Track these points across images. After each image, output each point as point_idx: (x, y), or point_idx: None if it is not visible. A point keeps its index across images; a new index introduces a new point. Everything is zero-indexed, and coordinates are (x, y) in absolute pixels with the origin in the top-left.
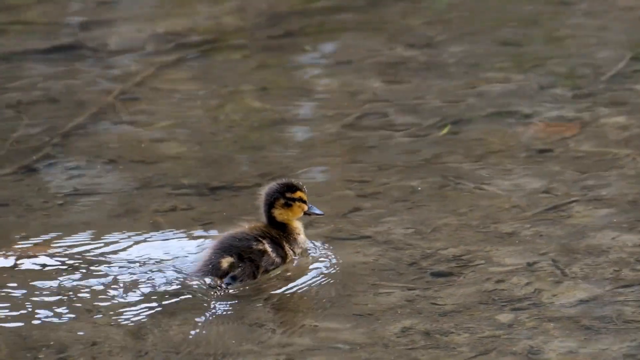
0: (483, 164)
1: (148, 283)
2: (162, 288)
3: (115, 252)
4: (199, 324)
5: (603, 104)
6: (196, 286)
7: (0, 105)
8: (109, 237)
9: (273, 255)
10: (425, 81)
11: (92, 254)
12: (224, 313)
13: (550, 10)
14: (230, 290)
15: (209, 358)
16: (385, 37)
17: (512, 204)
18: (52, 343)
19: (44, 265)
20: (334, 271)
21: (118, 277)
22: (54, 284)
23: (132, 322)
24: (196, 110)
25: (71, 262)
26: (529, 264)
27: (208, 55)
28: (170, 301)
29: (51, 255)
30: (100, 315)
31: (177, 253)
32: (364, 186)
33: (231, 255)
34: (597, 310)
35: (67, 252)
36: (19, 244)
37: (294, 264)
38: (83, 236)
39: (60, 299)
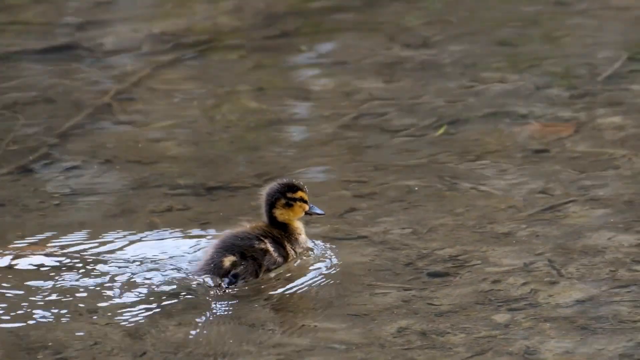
0: (479, 164)
1: (146, 283)
2: (160, 288)
3: (112, 252)
4: (197, 324)
5: (599, 104)
6: (194, 286)
7: None
8: (106, 237)
9: (275, 254)
10: (422, 81)
11: (88, 254)
12: (221, 313)
13: (546, 10)
14: (231, 290)
15: (206, 358)
16: (382, 37)
17: (509, 204)
18: (49, 344)
19: (41, 266)
20: (330, 271)
21: (116, 277)
22: (51, 284)
23: (130, 322)
24: (193, 111)
25: (68, 262)
26: (525, 264)
27: (204, 55)
28: (168, 301)
29: (48, 256)
30: (99, 316)
31: (174, 252)
32: (360, 186)
33: (233, 254)
34: (594, 311)
35: (63, 252)
36: (16, 244)
37: (295, 264)
38: (79, 236)
39: (58, 299)
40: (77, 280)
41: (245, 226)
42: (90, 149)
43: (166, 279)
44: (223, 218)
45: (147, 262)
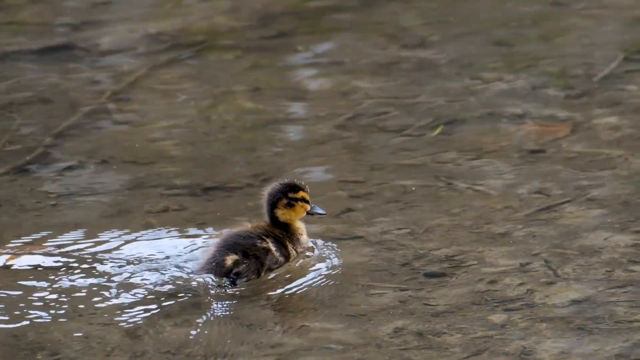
0: (476, 164)
1: (143, 283)
2: (158, 288)
3: (109, 252)
4: (195, 324)
5: (596, 104)
6: (192, 286)
7: None
8: (103, 237)
9: (277, 254)
10: (418, 81)
11: (85, 254)
12: (219, 313)
13: (543, 10)
14: (233, 289)
15: (204, 359)
16: (379, 37)
17: (505, 204)
18: (47, 344)
19: (38, 266)
20: (327, 272)
21: (113, 277)
22: (48, 284)
23: (129, 322)
24: (189, 111)
25: (65, 262)
26: (521, 265)
27: (201, 55)
28: (166, 301)
29: (45, 256)
30: (97, 316)
31: (172, 252)
32: (356, 187)
33: (235, 253)
34: (590, 311)
35: (60, 252)
36: (12, 244)
37: (296, 264)
38: (76, 236)
39: (55, 299)
40: (74, 280)
41: (246, 226)
42: (86, 149)
43: (164, 279)
44: (220, 218)
45: (144, 262)
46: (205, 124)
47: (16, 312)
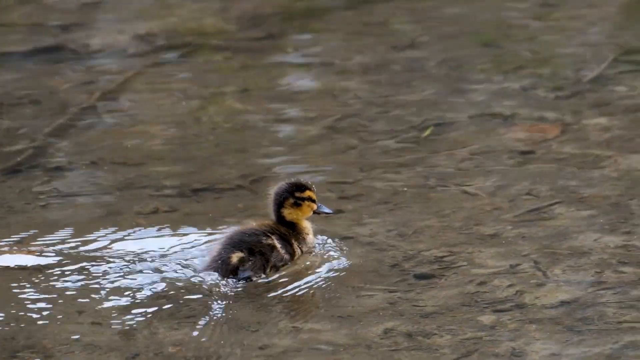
0: (465, 165)
1: (135, 284)
2: (150, 289)
3: (99, 254)
4: (188, 325)
5: (585, 105)
6: (185, 287)
7: None
8: (92, 238)
9: (282, 251)
10: (408, 82)
11: (75, 255)
12: (210, 315)
13: (532, 11)
14: (239, 287)
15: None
16: (368, 39)
17: (495, 205)
18: (39, 345)
19: (29, 266)
20: (316, 273)
21: (105, 277)
22: (39, 285)
23: (121, 323)
24: (178, 112)
25: (55, 262)
26: (511, 266)
27: (190, 56)
28: (159, 302)
29: (35, 257)
30: (89, 316)
31: (166, 253)
32: (346, 188)
33: (241, 250)
34: (579, 312)
35: (50, 253)
36: (1, 245)
37: (303, 265)
38: (66, 238)
39: (46, 299)
40: (65, 281)
41: (251, 223)
42: (76, 150)
43: (156, 280)
44: (210, 219)
45: (137, 263)
46: (195, 125)
47: (7, 313)
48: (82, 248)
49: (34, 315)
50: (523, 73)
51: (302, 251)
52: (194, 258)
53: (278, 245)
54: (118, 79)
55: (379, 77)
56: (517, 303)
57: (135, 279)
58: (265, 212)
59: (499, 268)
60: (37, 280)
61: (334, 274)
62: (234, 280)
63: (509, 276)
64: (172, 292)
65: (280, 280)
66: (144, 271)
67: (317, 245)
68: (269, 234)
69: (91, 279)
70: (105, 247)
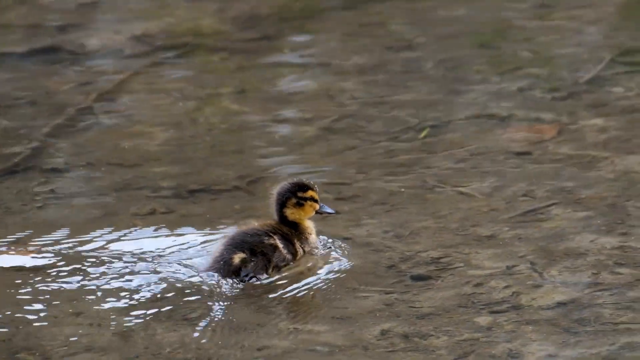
0: (462, 166)
1: (133, 284)
2: (148, 289)
3: (96, 255)
4: (184, 327)
5: (582, 106)
6: (182, 288)
7: None
8: (89, 239)
9: (284, 251)
10: (405, 83)
11: (72, 256)
12: (207, 316)
13: (529, 12)
14: (238, 289)
15: None
16: (365, 39)
17: (491, 206)
18: (37, 347)
19: (26, 267)
20: (313, 274)
21: (103, 279)
22: (36, 286)
23: (119, 324)
24: (175, 113)
25: (53, 264)
26: (507, 267)
27: (187, 57)
28: (158, 303)
29: (32, 258)
30: (88, 318)
31: (163, 254)
32: (342, 189)
33: (243, 251)
34: (576, 313)
35: (47, 254)
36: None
37: (304, 266)
38: (62, 239)
39: (45, 301)
40: (63, 282)
41: (253, 223)
42: (73, 151)
43: (156, 281)
44: (206, 221)
45: (135, 264)
46: (192, 126)
47: (4, 314)
48: (79, 249)
49: (32, 317)
50: (520, 74)
51: (304, 251)
52: (193, 259)
53: (280, 245)
54: (115, 80)
55: (376, 77)
56: (514, 304)
57: (134, 280)
58: (262, 213)
59: (495, 269)
60: (34, 281)
61: (330, 275)
62: (236, 280)
63: (506, 277)
64: (170, 293)
65: (278, 282)
66: (143, 272)
67: (320, 244)
68: (271, 234)
69: (89, 280)
70: (102, 248)
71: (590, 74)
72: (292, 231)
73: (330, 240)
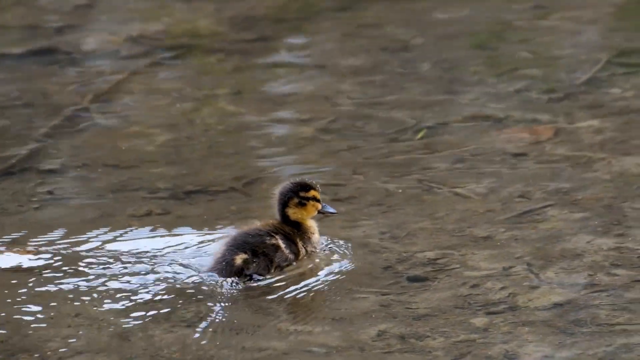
0: (458, 167)
1: (132, 286)
2: (147, 291)
3: (93, 256)
4: (182, 328)
5: (578, 107)
6: (181, 289)
7: None
8: (86, 240)
9: (286, 251)
10: (401, 85)
11: (69, 257)
12: (205, 318)
13: (525, 13)
14: (237, 290)
15: None
16: (361, 41)
17: (487, 208)
18: (35, 348)
19: (22, 268)
20: (310, 275)
21: (101, 280)
22: (33, 287)
23: (117, 325)
24: (171, 114)
25: (49, 265)
26: (504, 268)
27: (183, 58)
28: (155, 304)
29: (29, 259)
30: (85, 319)
31: (159, 254)
32: (339, 190)
33: (245, 252)
34: (572, 314)
35: (44, 255)
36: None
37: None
38: (59, 239)
39: (42, 302)
40: (60, 283)
41: (255, 223)
42: (69, 152)
43: (154, 282)
44: (203, 222)
45: (133, 265)
46: (188, 127)
47: (1, 316)
48: (76, 250)
49: (29, 318)
50: (516, 75)
51: (307, 251)
52: (192, 260)
53: (282, 245)
54: (112, 81)
55: (373, 79)
56: (510, 305)
57: (132, 281)
58: (258, 214)
59: (491, 270)
60: (31, 283)
61: (327, 277)
62: (239, 281)
63: (502, 278)
64: (169, 294)
65: (272, 283)
66: (141, 273)
67: (323, 244)
68: (272, 234)
69: (87, 281)
70: (99, 249)
71: (586, 75)
72: (294, 231)
73: (327, 240)
